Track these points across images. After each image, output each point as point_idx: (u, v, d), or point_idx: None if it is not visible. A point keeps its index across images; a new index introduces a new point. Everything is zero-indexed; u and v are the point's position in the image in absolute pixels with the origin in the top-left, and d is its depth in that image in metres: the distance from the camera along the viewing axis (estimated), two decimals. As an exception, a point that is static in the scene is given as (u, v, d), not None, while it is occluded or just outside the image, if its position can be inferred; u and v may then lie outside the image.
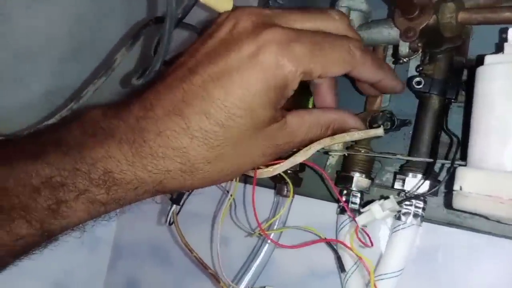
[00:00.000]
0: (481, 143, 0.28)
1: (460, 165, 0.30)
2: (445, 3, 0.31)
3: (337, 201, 0.42)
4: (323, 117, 0.33)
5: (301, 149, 0.34)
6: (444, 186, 0.34)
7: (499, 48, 0.29)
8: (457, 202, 0.29)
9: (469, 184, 0.27)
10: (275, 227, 0.45)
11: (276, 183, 0.45)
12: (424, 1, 0.31)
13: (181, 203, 0.37)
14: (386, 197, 0.33)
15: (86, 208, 0.27)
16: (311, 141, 0.34)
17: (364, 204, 0.36)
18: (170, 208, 0.37)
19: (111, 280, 0.64)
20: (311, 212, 0.45)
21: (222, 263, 0.42)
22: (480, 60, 0.28)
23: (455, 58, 0.37)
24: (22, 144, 0.29)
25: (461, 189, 0.28)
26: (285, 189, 0.44)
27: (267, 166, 0.35)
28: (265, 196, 0.46)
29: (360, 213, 0.37)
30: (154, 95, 0.28)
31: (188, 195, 0.38)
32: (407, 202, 0.36)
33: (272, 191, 0.47)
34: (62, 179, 0.26)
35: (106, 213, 0.29)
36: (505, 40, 0.28)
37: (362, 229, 0.33)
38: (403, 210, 0.36)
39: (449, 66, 0.36)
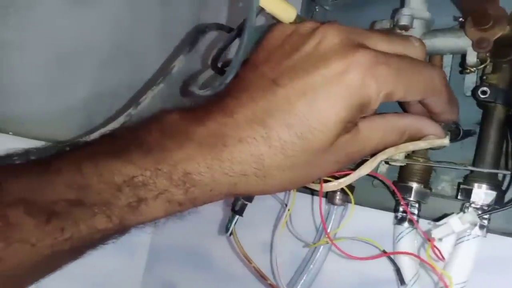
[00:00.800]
0: None
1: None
2: (521, 14, 0.30)
3: (394, 210, 0.42)
4: (399, 121, 0.32)
5: (368, 159, 0.34)
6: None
7: None
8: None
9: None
10: (321, 237, 0.44)
11: (328, 191, 0.45)
12: (499, 12, 0.31)
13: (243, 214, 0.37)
14: (464, 210, 0.33)
15: (163, 206, 0.28)
16: (385, 148, 0.33)
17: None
18: (232, 219, 0.37)
19: (148, 284, 0.64)
20: (362, 220, 0.45)
21: (270, 271, 0.42)
22: None
23: (519, 67, 0.36)
24: (103, 143, 0.30)
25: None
26: (337, 197, 0.44)
27: (333, 178, 0.34)
28: (316, 203, 0.46)
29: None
30: (235, 103, 0.28)
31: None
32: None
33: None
34: (144, 179, 0.27)
35: (181, 212, 0.29)
36: None
37: (433, 243, 0.32)
38: (469, 222, 0.35)
39: (512, 75, 0.36)
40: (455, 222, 0.31)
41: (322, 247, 0.43)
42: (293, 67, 0.28)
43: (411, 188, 0.39)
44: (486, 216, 0.35)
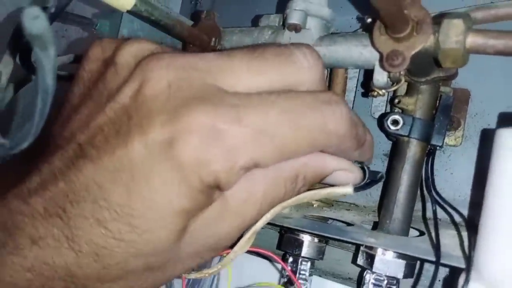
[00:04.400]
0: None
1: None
2: (450, 20, 0.21)
3: (282, 258, 0.32)
4: (285, 168, 0.22)
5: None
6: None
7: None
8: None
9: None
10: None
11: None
12: (420, 15, 0.21)
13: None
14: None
15: None
16: (273, 206, 0.23)
17: None
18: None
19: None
20: (249, 268, 0.35)
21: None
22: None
23: (441, 89, 0.27)
24: None
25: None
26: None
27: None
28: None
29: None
30: (34, 177, 0.19)
31: None
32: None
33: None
34: None
35: None
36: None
37: None
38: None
39: (435, 100, 0.27)
40: None
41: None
42: (103, 129, 0.19)
43: (301, 242, 0.30)
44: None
